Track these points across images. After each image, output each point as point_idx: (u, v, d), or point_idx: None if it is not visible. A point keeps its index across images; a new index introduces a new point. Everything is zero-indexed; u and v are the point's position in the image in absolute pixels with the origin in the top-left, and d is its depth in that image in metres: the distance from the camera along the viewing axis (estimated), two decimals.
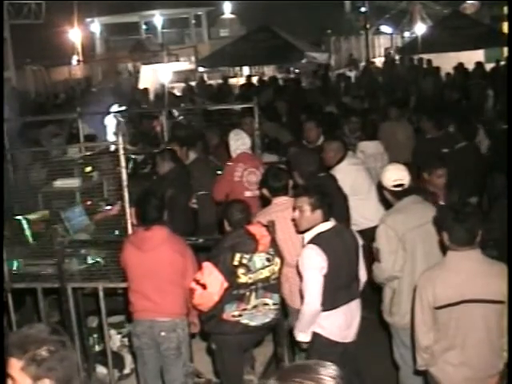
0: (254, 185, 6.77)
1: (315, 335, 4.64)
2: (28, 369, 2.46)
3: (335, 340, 4.62)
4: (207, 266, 4.62)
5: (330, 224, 4.58)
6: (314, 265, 4.44)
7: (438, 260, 4.58)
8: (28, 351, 2.46)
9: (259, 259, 4.70)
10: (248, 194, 6.74)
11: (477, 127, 8.32)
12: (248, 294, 4.70)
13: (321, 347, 4.65)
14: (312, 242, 4.50)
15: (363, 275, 4.80)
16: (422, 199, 5.00)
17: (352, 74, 21.30)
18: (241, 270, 4.63)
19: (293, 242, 4.98)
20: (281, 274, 4.85)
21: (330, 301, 4.52)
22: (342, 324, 4.60)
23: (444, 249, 4.19)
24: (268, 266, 4.75)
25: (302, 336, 4.67)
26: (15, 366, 2.47)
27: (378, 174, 7.20)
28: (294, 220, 4.74)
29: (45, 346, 2.48)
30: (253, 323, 4.78)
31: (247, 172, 6.87)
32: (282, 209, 5.26)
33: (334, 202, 4.79)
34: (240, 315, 4.72)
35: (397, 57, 23.73)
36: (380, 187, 5.25)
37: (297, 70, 21.37)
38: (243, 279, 4.65)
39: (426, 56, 19.76)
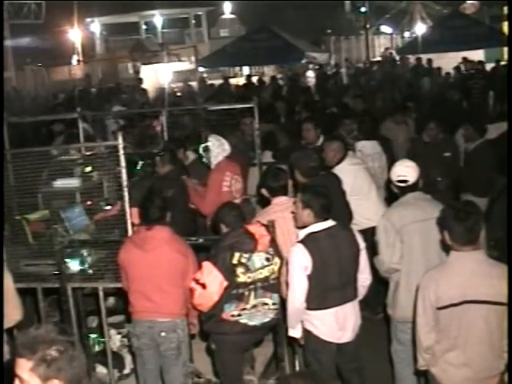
0: (240, 192, 6.69)
1: (308, 333, 4.72)
2: (37, 369, 2.44)
3: (327, 340, 4.65)
4: (206, 265, 4.63)
5: (324, 224, 4.60)
6: (298, 264, 4.51)
7: (436, 256, 4.67)
8: (37, 351, 2.44)
9: (258, 259, 4.70)
10: (236, 202, 6.52)
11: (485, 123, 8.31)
12: (247, 293, 4.71)
13: (314, 345, 4.73)
14: (300, 241, 4.56)
15: (366, 279, 4.79)
16: (430, 196, 5.03)
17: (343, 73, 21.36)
18: (240, 269, 4.63)
19: (292, 242, 4.97)
20: (280, 274, 4.86)
21: (319, 301, 4.57)
22: (332, 325, 4.64)
23: (446, 248, 4.21)
24: (267, 266, 4.75)
25: (292, 332, 4.77)
26: (24, 366, 2.45)
27: (376, 173, 7.22)
28: (293, 213, 4.85)
29: (54, 346, 2.46)
30: (252, 323, 4.78)
31: (234, 180, 6.70)
32: (281, 209, 5.26)
33: (334, 202, 4.81)
34: (239, 315, 4.72)
35: (397, 57, 23.72)
36: (389, 182, 5.32)
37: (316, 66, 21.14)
38: (242, 278, 4.65)
39: (425, 56, 19.79)
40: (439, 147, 7.75)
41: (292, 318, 4.69)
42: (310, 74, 21.30)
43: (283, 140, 9.19)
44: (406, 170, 4.96)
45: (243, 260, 4.63)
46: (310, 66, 21.40)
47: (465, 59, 18.43)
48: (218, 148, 6.73)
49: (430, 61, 19.64)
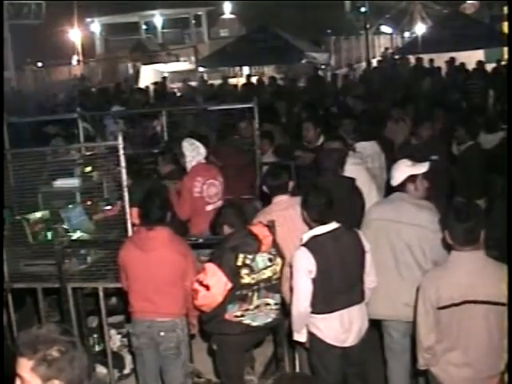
0: (215, 197, 6.60)
1: (312, 336, 4.69)
2: (38, 369, 2.43)
3: (331, 343, 4.63)
4: (210, 266, 4.62)
5: (328, 227, 4.58)
6: (302, 267, 4.48)
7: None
8: (38, 351, 2.43)
9: (262, 259, 4.70)
10: (209, 207, 6.51)
11: (478, 126, 8.31)
12: (250, 294, 4.71)
13: (318, 348, 4.70)
14: (304, 244, 4.54)
15: (372, 281, 4.75)
16: (424, 202, 4.98)
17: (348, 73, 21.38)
18: (244, 271, 4.63)
19: (293, 241, 4.97)
20: (282, 274, 4.86)
21: (324, 304, 4.54)
22: (337, 328, 4.61)
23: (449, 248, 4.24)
24: (270, 267, 4.75)
25: (297, 336, 4.74)
26: (25, 365, 2.44)
27: (376, 173, 7.22)
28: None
29: (55, 346, 2.45)
30: (255, 323, 4.79)
31: (206, 185, 6.56)
32: (281, 208, 5.25)
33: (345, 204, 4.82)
34: (242, 315, 4.72)
35: (396, 56, 23.72)
36: None
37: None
38: (246, 280, 4.65)
39: (427, 56, 19.78)
40: (427, 149, 7.67)
41: (297, 323, 4.66)
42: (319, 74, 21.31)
43: (283, 140, 9.20)
44: (392, 173, 5.02)
45: (247, 261, 4.63)
46: (318, 65, 21.41)
47: (452, 59, 18.49)
48: (192, 152, 6.60)
49: (431, 61, 19.61)
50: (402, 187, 4.94)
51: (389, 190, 5.34)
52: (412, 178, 4.90)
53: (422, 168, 4.94)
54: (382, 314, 4.96)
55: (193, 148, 6.62)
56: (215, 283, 4.57)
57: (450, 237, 3.95)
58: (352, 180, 5.93)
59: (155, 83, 20.49)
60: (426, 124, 7.99)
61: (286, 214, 5.16)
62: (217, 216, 5.14)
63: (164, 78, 21.26)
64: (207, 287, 4.58)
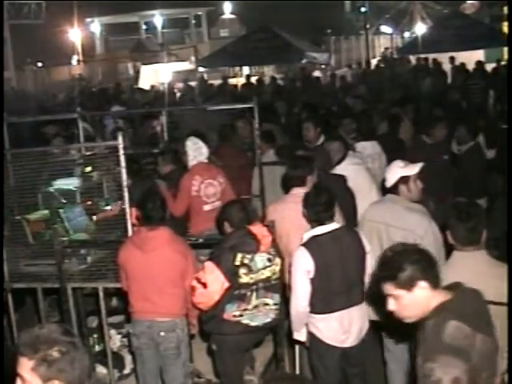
0: (213, 197, 6.61)
1: (312, 336, 4.69)
2: (38, 369, 2.43)
3: (331, 344, 4.63)
4: (208, 265, 4.63)
5: (328, 227, 4.58)
6: (300, 267, 4.49)
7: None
8: (39, 351, 2.43)
9: (260, 259, 4.70)
10: (207, 207, 6.55)
11: (478, 127, 8.32)
12: (249, 294, 4.71)
13: (318, 349, 4.70)
14: (304, 244, 4.54)
15: None
16: (418, 206, 4.93)
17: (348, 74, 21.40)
18: (242, 270, 4.63)
19: (299, 234, 4.93)
20: (282, 274, 4.85)
21: (323, 304, 4.55)
22: (337, 329, 4.61)
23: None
24: (269, 267, 4.75)
25: (297, 335, 4.76)
26: (26, 365, 2.44)
27: (375, 174, 7.22)
28: None
29: (56, 346, 2.44)
30: (253, 323, 4.78)
31: (204, 185, 6.59)
32: (295, 201, 5.21)
33: (340, 203, 4.81)
34: (241, 315, 4.72)
35: (396, 56, 23.74)
36: None
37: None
38: (245, 279, 4.65)
39: (431, 56, 19.84)
40: (435, 149, 7.65)
41: (296, 322, 4.68)
42: (317, 73, 21.34)
43: (283, 140, 9.20)
44: (386, 174, 5.00)
45: (246, 261, 4.63)
46: (317, 65, 21.43)
47: (451, 58, 18.52)
48: (194, 151, 6.64)
49: (435, 60, 19.63)
50: (394, 189, 4.89)
51: (384, 191, 5.32)
52: (404, 180, 4.83)
53: (414, 169, 4.87)
54: (373, 315, 4.96)
55: (196, 147, 6.66)
56: (212, 281, 4.58)
57: (452, 237, 3.94)
58: (343, 179, 5.94)
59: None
60: (439, 124, 7.90)
61: (299, 206, 5.12)
62: (220, 212, 5.16)
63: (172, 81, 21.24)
64: (204, 285, 4.59)
